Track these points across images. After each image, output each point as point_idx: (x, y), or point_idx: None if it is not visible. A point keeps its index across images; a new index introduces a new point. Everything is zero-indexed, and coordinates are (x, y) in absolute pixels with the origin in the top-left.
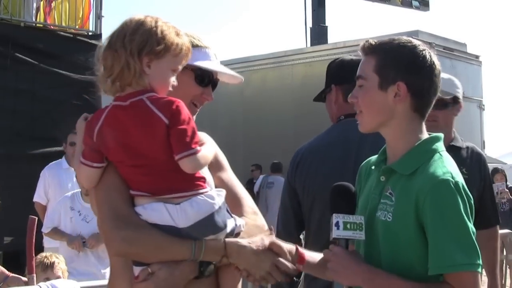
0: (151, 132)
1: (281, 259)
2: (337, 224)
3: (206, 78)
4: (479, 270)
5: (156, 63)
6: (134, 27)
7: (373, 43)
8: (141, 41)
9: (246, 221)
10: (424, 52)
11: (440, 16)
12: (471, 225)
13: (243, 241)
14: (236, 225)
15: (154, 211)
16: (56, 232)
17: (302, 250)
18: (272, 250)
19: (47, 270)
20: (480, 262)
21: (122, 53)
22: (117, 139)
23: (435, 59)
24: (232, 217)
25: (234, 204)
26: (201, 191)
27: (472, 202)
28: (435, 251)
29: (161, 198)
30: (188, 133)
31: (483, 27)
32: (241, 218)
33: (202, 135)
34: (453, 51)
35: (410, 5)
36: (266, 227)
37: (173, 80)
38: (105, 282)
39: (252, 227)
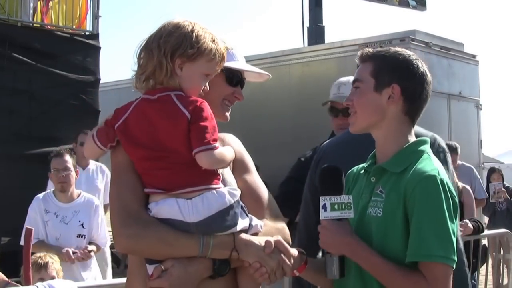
0: (174, 125)
1: (286, 259)
2: (324, 206)
3: (236, 78)
4: (453, 265)
5: (188, 66)
6: (170, 30)
7: (370, 51)
8: (176, 43)
9: (266, 223)
10: (417, 61)
11: (437, 15)
12: (451, 223)
13: (251, 237)
14: (252, 225)
15: (165, 206)
16: (41, 246)
17: (305, 257)
18: (278, 249)
19: (41, 271)
20: (455, 258)
21: (156, 53)
22: (142, 129)
23: (427, 69)
24: (247, 216)
25: (256, 206)
26: (213, 186)
27: (457, 201)
28: (414, 239)
29: (174, 194)
30: (208, 130)
31: (480, 26)
32: (261, 220)
33: (229, 137)
34: (450, 50)
35: (407, 5)
36: (286, 229)
37: (204, 84)
38: (101, 282)
39: (272, 229)
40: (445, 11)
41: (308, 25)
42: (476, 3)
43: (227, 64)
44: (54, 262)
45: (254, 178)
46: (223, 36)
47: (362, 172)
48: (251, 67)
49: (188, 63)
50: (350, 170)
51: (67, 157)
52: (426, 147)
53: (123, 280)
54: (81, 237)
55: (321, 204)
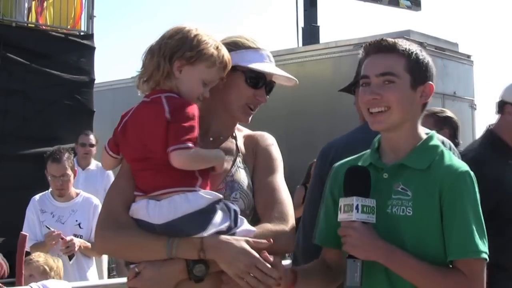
0: (155, 126)
1: (262, 260)
2: (357, 207)
3: (258, 80)
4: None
5: (187, 69)
6: (172, 33)
7: (395, 42)
8: (175, 45)
9: (266, 227)
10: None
11: (431, 16)
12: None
13: (224, 237)
14: (233, 228)
15: (137, 207)
16: (38, 247)
17: (296, 271)
18: (254, 249)
19: (46, 276)
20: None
21: (156, 54)
22: (134, 131)
23: None
24: (234, 222)
25: (265, 208)
26: (185, 189)
27: None
28: (459, 237)
29: (150, 196)
30: (184, 130)
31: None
32: (266, 223)
33: (260, 135)
34: (445, 50)
35: (397, 4)
36: (286, 234)
37: (203, 91)
38: (96, 283)
39: (267, 232)
40: (440, 11)
41: (302, 25)
42: (471, 3)
43: (250, 64)
44: (57, 267)
45: (274, 179)
46: (255, 37)
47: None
48: (277, 70)
49: (187, 66)
50: (339, 165)
51: (65, 163)
52: (438, 141)
53: (118, 280)
54: (78, 237)
55: (354, 204)
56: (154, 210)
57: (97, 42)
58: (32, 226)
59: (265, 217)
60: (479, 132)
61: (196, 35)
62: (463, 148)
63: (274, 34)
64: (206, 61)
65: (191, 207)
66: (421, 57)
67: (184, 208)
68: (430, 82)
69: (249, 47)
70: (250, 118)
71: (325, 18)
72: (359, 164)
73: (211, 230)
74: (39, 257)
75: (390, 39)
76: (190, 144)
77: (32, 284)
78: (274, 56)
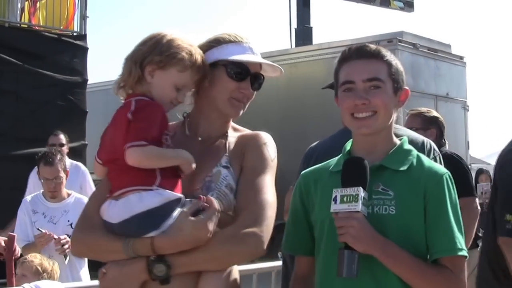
0: (120, 128)
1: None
2: (362, 198)
3: (240, 72)
4: None
5: (159, 74)
6: (146, 39)
7: (379, 48)
8: (146, 51)
9: (235, 228)
10: None
11: (424, 17)
12: None
13: (172, 233)
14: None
15: (102, 209)
16: (30, 248)
17: None
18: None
19: (39, 277)
20: None
21: (129, 59)
22: (108, 135)
23: None
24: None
25: (242, 208)
26: (141, 188)
27: None
28: (445, 235)
29: (114, 196)
30: (142, 128)
31: (467, 28)
32: (232, 225)
33: (257, 135)
34: (438, 52)
35: (387, 5)
36: (251, 238)
37: (176, 96)
38: (89, 283)
39: (235, 233)
40: (433, 12)
41: (295, 26)
42: (464, 5)
43: (231, 57)
44: (53, 269)
45: (258, 180)
46: (237, 32)
47: (337, 171)
48: (257, 58)
49: (159, 70)
50: (309, 173)
51: (58, 165)
52: (411, 146)
53: None
54: (70, 237)
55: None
56: (113, 210)
57: (90, 42)
58: (24, 227)
59: (239, 218)
60: (471, 133)
61: (168, 40)
62: (448, 148)
63: (267, 35)
64: (176, 65)
65: (144, 206)
66: (398, 64)
67: (136, 208)
68: (406, 88)
69: (229, 41)
70: (240, 112)
71: (318, 19)
72: (331, 170)
73: (163, 229)
74: (34, 257)
75: (372, 45)
76: (144, 142)
77: (25, 285)
78: (267, 57)
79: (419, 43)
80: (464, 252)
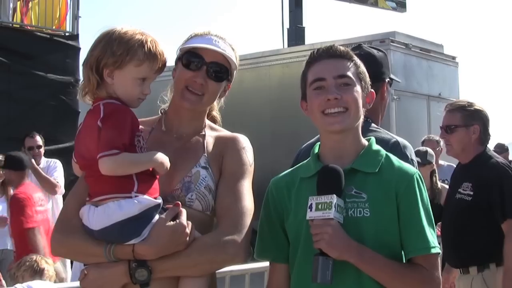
0: (91, 134)
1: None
2: (335, 206)
3: (193, 61)
4: None
5: (118, 73)
6: (96, 42)
7: (348, 50)
8: (98, 56)
9: (215, 235)
10: None
11: (417, 17)
12: None
13: (152, 240)
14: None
15: (82, 212)
16: None
17: None
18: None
19: (35, 276)
20: None
21: (85, 67)
22: (81, 139)
23: None
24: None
25: (222, 215)
26: (120, 195)
27: None
28: (417, 235)
29: (93, 202)
30: (112, 136)
31: (459, 28)
32: (212, 232)
33: (235, 139)
34: (430, 52)
35: (376, 5)
36: (231, 244)
37: (141, 90)
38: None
39: (215, 241)
40: (425, 13)
41: (288, 26)
42: (456, 5)
43: (186, 45)
44: (49, 269)
45: (238, 186)
46: (212, 29)
47: (308, 177)
48: (210, 47)
49: (117, 70)
50: (279, 180)
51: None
52: (378, 145)
53: None
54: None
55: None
56: (92, 216)
57: (82, 42)
58: None
59: (220, 225)
60: None
61: (118, 38)
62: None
63: (260, 35)
64: (132, 61)
65: (124, 214)
66: (363, 67)
67: (116, 215)
68: (372, 90)
69: (196, 35)
70: (197, 105)
71: (311, 19)
72: (301, 176)
73: (143, 236)
74: (31, 258)
75: (340, 47)
76: (115, 150)
77: (17, 285)
78: (259, 57)
79: (411, 43)
80: (437, 249)
